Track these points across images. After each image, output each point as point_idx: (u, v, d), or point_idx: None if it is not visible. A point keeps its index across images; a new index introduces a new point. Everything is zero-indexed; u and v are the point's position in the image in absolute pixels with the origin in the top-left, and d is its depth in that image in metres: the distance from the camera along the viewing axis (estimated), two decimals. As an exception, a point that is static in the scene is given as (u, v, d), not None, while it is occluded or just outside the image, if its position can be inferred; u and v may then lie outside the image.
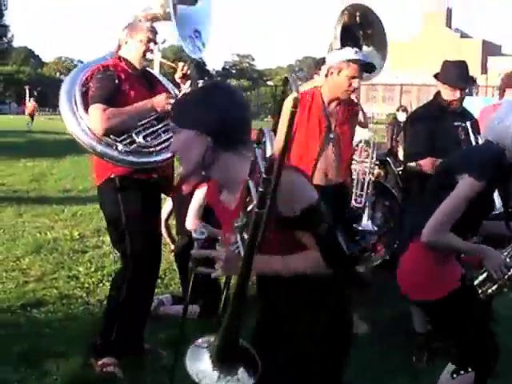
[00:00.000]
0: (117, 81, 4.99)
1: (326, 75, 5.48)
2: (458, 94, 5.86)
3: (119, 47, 5.32)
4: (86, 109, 4.99)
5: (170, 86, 5.55)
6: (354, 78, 5.38)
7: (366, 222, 7.29)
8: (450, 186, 3.93)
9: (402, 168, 8.05)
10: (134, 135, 4.95)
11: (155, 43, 5.28)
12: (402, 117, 14.49)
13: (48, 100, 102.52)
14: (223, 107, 2.86)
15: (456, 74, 5.93)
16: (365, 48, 6.70)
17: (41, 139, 32.10)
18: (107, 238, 7.96)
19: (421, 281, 4.11)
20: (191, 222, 6.28)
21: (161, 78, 5.62)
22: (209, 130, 2.84)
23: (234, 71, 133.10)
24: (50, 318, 6.25)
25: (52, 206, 11.92)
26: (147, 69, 5.42)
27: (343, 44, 6.32)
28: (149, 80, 5.36)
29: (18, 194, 13.79)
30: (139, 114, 5.00)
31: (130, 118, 4.92)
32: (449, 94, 5.89)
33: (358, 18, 6.68)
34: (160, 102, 5.04)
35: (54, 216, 11.12)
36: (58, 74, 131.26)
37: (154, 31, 5.27)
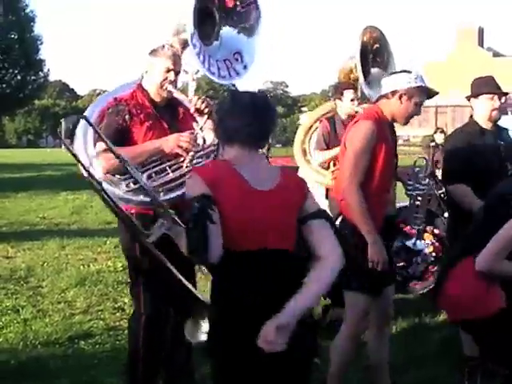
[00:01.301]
0: (127, 116, 4.74)
1: (387, 97, 5.04)
2: (497, 101, 5.78)
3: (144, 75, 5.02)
4: (95, 143, 4.83)
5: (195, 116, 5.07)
6: (421, 104, 5.19)
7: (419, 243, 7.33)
8: (507, 215, 3.91)
9: (442, 191, 8.03)
10: (136, 175, 4.50)
11: (177, 73, 4.92)
12: (439, 139, 14.39)
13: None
14: None
15: (488, 83, 5.89)
16: (373, 70, 6.76)
17: (77, 172, 32.35)
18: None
19: (468, 303, 4.12)
20: None
21: (190, 107, 5.12)
22: None
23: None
24: (97, 349, 6.31)
25: (94, 239, 12.00)
26: (178, 97, 4.98)
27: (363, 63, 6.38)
28: (173, 112, 5.02)
29: (59, 227, 13.94)
30: (145, 154, 4.68)
31: (132, 159, 4.47)
32: (487, 105, 5.79)
33: (374, 39, 6.72)
34: (169, 144, 4.72)
35: (96, 248, 11.22)
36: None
37: (175, 59, 4.91)
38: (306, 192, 3.37)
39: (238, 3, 5.35)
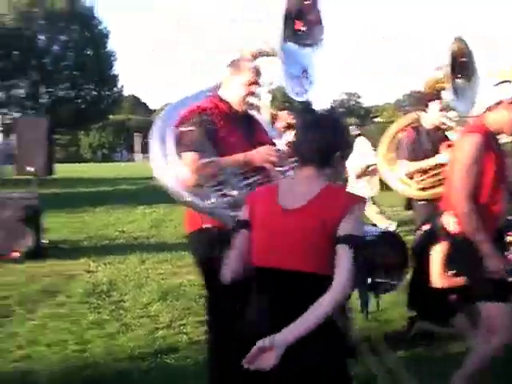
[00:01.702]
0: (211, 127, 4.69)
1: (491, 109, 4.98)
2: None
3: (220, 85, 5.03)
4: (179, 153, 4.71)
5: (271, 133, 5.22)
6: None
7: None
8: None
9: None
10: (226, 187, 4.57)
11: (259, 85, 4.97)
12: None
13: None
14: None
15: None
16: (458, 81, 6.68)
17: (155, 186, 32.65)
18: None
19: None
20: None
21: (263, 123, 5.29)
22: None
23: (341, 110, 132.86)
24: (182, 364, 6.31)
25: (173, 252, 12.07)
26: (249, 112, 5.08)
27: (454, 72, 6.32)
28: (249, 125, 5.03)
29: (139, 241, 14.12)
30: (234, 166, 4.60)
31: (223, 171, 4.54)
32: None
33: (460, 51, 6.65)
34: (261, 157, 4.68)
35: (176, 262, 11.29)
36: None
37: (257, 72, 4.93)
38: (345, 212, 3.21)
39: (304, 25, 5.41)
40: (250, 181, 4.65)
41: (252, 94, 4.90)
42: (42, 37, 49.58)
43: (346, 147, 3.50)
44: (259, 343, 2.99)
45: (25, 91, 49.81)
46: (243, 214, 3.46)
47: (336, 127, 3.46)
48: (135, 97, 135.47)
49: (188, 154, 4.59)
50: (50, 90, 49.61)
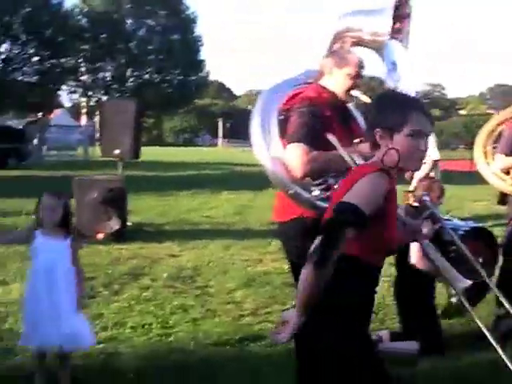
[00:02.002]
0: (319, 118, 4.62)
1: None
2: None
3: (321, 74, 4.99)
4: (282, 139, 4.74)
5: (362, 123, 5.05)
6: None
7: None
8: None
9: None
10: (329, 180, 4.55)
11: (361, 78, 4.93)
12: None
13: (240, 132, 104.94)
14: None
15: None
16: None
17: (239, 172, 32.75)
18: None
19: None
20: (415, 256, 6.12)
21: (357, 114, 5.24)
22: None
23: (425, 101, 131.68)
24: (268, 352, 6.23)
25: (258, 239, 12.02)
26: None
27: None
28: (348, 117, 5.02)
29: (223, 227, 14.07)
30: (341, 161, 4.39)
31: (331, 164, 4.47)
32: None
33: None
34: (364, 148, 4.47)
35: (261, 249, 11.20)
36: (249, 106, 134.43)
37: (362, 66, 4.92)
38: (352, 186, 3.27)
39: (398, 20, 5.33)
40: None
41: (357, 86, 4.89)
42: (129, 21, 50.18)
43: None
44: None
45: (111, 74, 50.50)
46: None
47: None
48: (220, 82, 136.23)
49: (295, 144, 4.55)
50: (135, 73, 50.23)
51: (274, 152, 4.78)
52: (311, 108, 4.65)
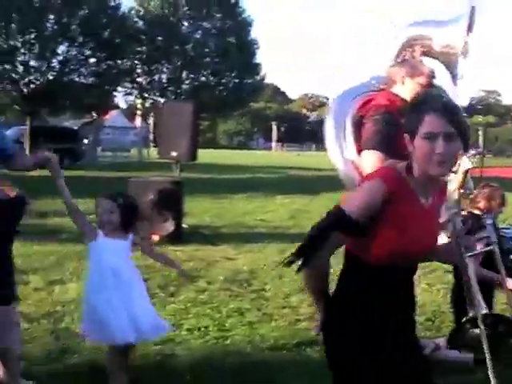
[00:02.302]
0: (394, 127, 4.59)
1: None
2: None
3: (392, 82, 5.07)
4: (356, 144, 4.85)
5: None
6: None
7: None
8: None
9: None
10: None
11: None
12: None
13: (294, 136, 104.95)
14: None
15: None
16: None
17: (292, 176, 32.72)
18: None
19: None
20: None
21: None
22: None
23: (479, 107, 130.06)
24: (324, 358, 6.18)
25: (313, 243, 11.89)
26: None
27: None
28: None
29: (278, 231, 14.09)
30: None
31: None
32: None
33: None
34: None
35: (316, 253, 11.08)
36: (303, 110, 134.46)
37: (434, 76, 5.02)
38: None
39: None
40: None
41: None
42: (185, 23, 50.44)
43: None
44: None
45: (166, 76, 50.78)
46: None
47: None
48: (275, 85, 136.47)
49: (371, 151, 4.66)
50: (191, 76, 50.42)
51: (348, 155, 4.88)
52: (386, 115, 4.74)
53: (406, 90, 4.93)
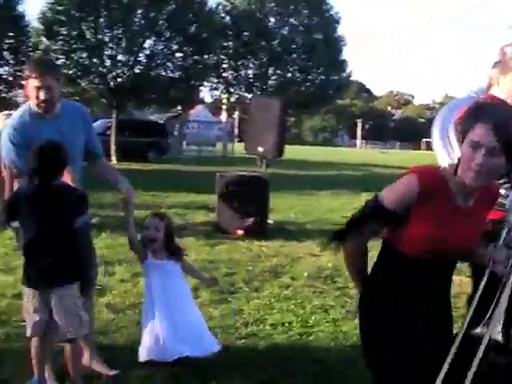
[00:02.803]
0: None
1: None
2: None
3: (490, 86, 4.93)
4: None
5: None
6: None
7: None
8: None
9: None
10: None
11: None
12: None
13: (379, 134, 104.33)
14: None
15: None
16: None
17: (377, 173, 32.49)
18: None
19: None
20: None
21: None
22: None
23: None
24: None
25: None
26: None
27: None
28: None
29: (362, 228, 13.89)
30: None
31: None
32: None
33: None
34: None
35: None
36: (388, 107, 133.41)
37: None
38: None
39: None
40: None
41: None
42: (272, 19, 50.51)
43: None
44: None
45: (253, 72, 50.93)
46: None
47: None
48: (360, 82, 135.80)
49: None
50: (277, 71, 50.48)
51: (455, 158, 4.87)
52: None
53: (502, 89, 4.79)
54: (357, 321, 6.49)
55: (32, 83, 5.07)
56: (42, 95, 5.05)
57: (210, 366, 5.58)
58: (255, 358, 6.06)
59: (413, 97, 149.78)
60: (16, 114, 5.40)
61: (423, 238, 3.32)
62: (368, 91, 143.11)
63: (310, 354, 6.22)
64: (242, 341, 6.42)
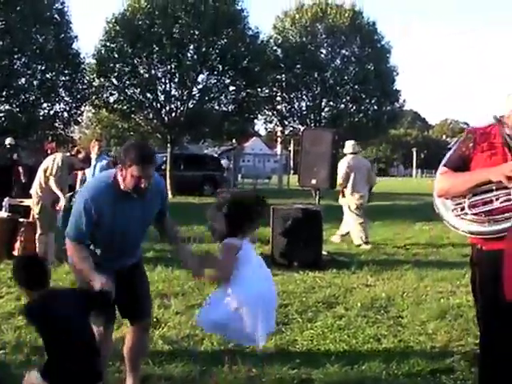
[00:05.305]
0: (471, 145, 4.75)
1: None
2: None
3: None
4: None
5: None
6: None
7: None
8: None
9: None
10: (465, 201, 4.67)
11: None
12: None
13: (434, 162, 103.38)
14: None
15: None
16: None
17: (432, 202, 32.27)
18: None
19: None
20: None
21: None
22: None
23: None
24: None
25: (452, 271, 11.91)
26: None
27: None
28: None
29: (417, 258, 14.06)
30: (473, 181, 4.63)
31: (460, 185, 4.69)
32: None
33: None
34: (497, 171, 4.47)
35: (455, 281, 11.10)
36: (443, 136, 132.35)
37: None
38: None
39: None
40: (485, 196, 4.63)
41: None
42: (323, 51, 50.64)
43: None
44: None
45: (306, 104, 50.98)
46: None
47: None
48: (414, 111, 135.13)
49: (441, 167, 4.95)
50: (330, 103, 50.50)
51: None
52: (467, 135, 4.89)
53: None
54: (409, 350, 6.65)
55: (133, 172, 5.08)
56: (143, 184, 5.14)
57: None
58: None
59: (467, 124, 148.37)
60: (95, 185, 5.49)
61: None
62: (423, 120, 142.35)
63: (362, 383, 6.30)
64: (295, 370, 6.52)
